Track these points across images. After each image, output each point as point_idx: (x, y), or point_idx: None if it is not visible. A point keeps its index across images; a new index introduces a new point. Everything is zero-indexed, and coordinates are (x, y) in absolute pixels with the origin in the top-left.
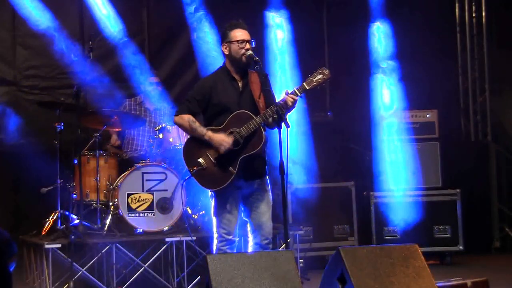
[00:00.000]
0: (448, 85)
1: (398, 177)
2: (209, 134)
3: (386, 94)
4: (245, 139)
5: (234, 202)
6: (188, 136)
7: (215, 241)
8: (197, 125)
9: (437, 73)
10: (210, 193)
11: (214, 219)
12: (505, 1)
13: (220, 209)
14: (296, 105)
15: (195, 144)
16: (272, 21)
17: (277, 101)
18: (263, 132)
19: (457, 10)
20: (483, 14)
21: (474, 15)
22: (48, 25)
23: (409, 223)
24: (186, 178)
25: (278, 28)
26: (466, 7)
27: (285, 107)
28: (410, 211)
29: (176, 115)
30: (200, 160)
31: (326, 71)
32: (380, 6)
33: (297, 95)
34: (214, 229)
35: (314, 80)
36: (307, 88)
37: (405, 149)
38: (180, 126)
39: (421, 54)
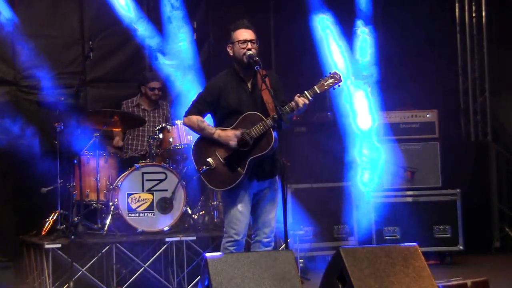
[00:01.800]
0: (448, 85)
1: (394, 177)
2: (217, 132)
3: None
4: (254, 140)
5: (246, 202)
6: (198, 136)
7: (224, 240)
8: (205, 124)
9: (437, 73)
10: (222, 192)
11: (225, 218)
12: (505, 1)
13: (232, 208)
14: (306, 107)
15: (205, 144)
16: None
17: (281, 102)
18: (273, 134)
19: (457, 10)
20: (483, 14)
21: (474, 15)
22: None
23: (408, 223)
24: (194, 177)
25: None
26: (466, 7)
27: (295, 109)
28: (409, 211)
29: (185, 116)
30: (209, 159)
31: (338, 75)
32: (380, 6)
33: (307, 99)
34: (225, 228)
35: (326, 84)
36: (318, 92)
37: (390, 149)
38: (189, 126)
39: (421, 54)
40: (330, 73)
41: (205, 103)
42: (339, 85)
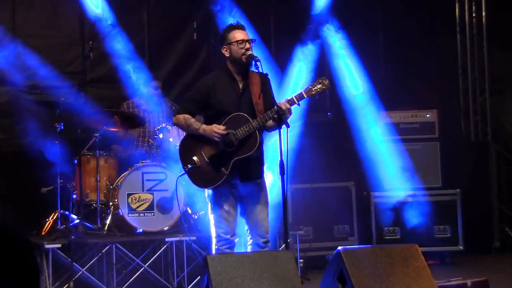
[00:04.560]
0: (448, 85)
1: (396, 177)
2: (203, 127)
3: None
4: (240, 141)
5: (231, 202)
6: (184, 134)
7: (213, 241)
8: (192, 121)
9: (437, 73)
10: (206, 192)
11: (211, 219)
12: (505, 1)
13: (217, 209)
14: (292, 112)
15: (191, 142)
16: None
17: (277, 102)
18: (258, 136)
19: (457, 10)
20: (483, 14)
21: (474, 15)
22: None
23: (409, 223)
24: (179, 175)
25: None
26: (466, 7)
27: (280, 113)
28: (410, 211)
29: (174, 115)
30: (194, 158)
31: (326, 81)
32: (380, 7)
33: (294, 103)
34: (212, 229)
35: (313, 89)
36: (305, 96)
37: (394, 149)
38: (177, 125)
39: (421, 54)
40: (319, 79)
41: (193, 102)
42: (326, 91)
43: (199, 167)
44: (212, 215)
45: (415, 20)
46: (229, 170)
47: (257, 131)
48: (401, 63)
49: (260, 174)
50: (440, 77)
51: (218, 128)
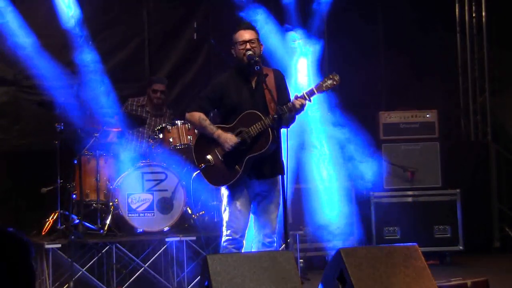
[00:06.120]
0: (448, 85)
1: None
2: (218, 132)
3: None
4: (252, 139)
5: (245, 201)
6: (199, 134)
7: (223, 239)
8: (207, 123)
9: (437, 73)
10: (222, 190)
11: (224, 217)
12: (505, 1)
13: (231, 207)
14: (304, 109)
15: (205, 141)
16: None
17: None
18: (271, 134)
19: (457, 10)
20: (483, 14)
21: (474, 15)
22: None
23: (408, 223)
24: (195, 173)
25: None
26: (466, 7)
27: (293, 110)
28: (409, 211)
29: (188, 112)
30: (209, 157)
31: (337, 77)
32: (380, 6)
33: (305, 99)
34: (224, 228)
35: (324, 85)
36: (316, 93)
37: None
38: (191, 123)
39: (421, 54)
40: (330, 74)
41: (207, 100)
42: (336, 87)
43: (213, 166)
44: (225, 213)
45: (415, 20)
46: (243, 167)
47: (270, 129)
48: (401, 63)
49: (276, 172)
50: (440, 77)
51: (231, 140)
